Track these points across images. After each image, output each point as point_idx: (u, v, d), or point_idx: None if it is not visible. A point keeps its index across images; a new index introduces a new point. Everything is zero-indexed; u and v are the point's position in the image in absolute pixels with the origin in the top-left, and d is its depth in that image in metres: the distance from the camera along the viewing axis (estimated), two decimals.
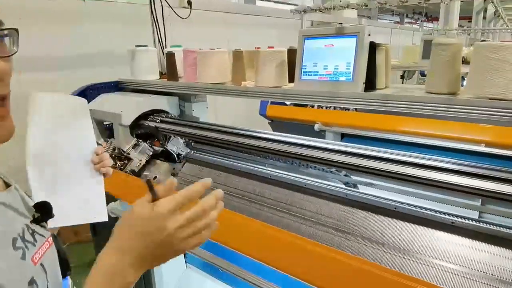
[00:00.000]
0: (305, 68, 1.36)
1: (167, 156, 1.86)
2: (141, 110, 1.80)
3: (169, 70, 1.91)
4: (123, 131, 1.76)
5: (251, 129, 1.59)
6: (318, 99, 1.31)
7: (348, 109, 3.30)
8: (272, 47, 1.45)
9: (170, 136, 1.84)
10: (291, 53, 1.49)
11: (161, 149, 1.87)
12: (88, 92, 2.02)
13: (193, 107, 1.92)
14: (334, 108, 3.31)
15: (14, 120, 0.66)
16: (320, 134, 3.14)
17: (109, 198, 1.57)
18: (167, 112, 1.91)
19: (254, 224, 1.17)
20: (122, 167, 1.75)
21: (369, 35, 1.20)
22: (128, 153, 1.77)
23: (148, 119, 1.80)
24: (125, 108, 1.73)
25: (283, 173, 1.52)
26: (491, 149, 2.00)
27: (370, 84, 1.26)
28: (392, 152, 1.21)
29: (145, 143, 1.82)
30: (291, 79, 1.47)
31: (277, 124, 3.63)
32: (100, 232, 2.04)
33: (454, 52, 1.09)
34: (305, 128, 3.32)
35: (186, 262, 1.91)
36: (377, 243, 1.16)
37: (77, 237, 2.84)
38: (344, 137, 3.31)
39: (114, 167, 1.74)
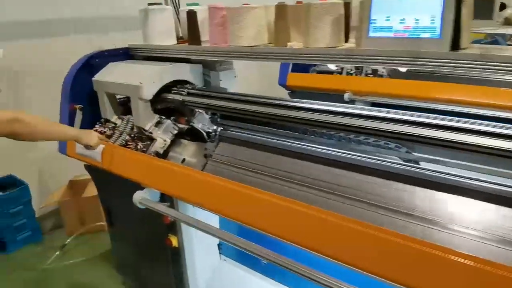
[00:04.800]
0: (375, 23, 1.19)
1: (193, 134, 1.71)
2: (164, 80, 1.62)
3: (191, 32, 1.72)
4: (143, 107, 1.60)
5: (294, 99, 1.44)
6: (393, 61, 1.14)
7: (382, 75, 3.12)
8: None
9: (195, 112, 1.68)
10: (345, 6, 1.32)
11: (186, 126, 1.71)
12: (94, 61, 1.84)
13: (221, 76, 1.75)
14: (367, 74, 3.13)
15: None
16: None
17: (135, 186, 1.44)
18: (190, 83, 1.74)
19: (303, 209, 1.05)
20: (145, 149, 1.60)
21: None
22: (151, 132, 1.62)
23: (172, 91, 1.63)
24: (145, 79, 1.56)
25: (333, 151, 1.38)
26: None
27: (454, 43, 1.09)
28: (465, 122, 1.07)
29: (169, 120, 1.66)
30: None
31: (299, 95, 3.45)
32: (116, 224, 1.93)
33: None
34: (332, 99, 3.12)
35: (220, 254, 1.81)
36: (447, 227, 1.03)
37: (84, 227, 2.74)
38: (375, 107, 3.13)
39: (135, 148, 1.60)
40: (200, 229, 1.28)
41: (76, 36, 2.91)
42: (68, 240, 2.61)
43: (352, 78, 3.14)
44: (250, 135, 1.50)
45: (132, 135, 1.67)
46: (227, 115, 1.62)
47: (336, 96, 3.01)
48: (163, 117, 1.66)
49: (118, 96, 1.82)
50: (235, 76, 1.84)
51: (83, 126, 1.79)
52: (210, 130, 1.68)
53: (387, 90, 2.89)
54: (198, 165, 1.53)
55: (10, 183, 2.63)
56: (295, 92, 3.44)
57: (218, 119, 1.69)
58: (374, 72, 3.09)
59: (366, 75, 3.11)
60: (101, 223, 2.78)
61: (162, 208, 1.37)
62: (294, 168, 1.37)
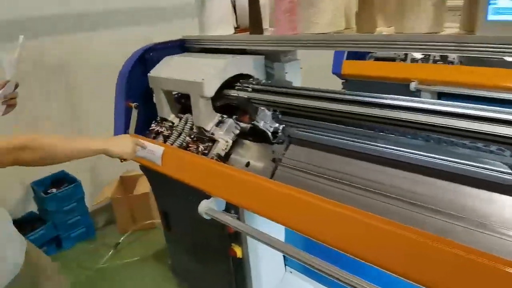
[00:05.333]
0: (495, 3, 0.95)
1: (255, 134, 1.56)
2: (227, 75, 1.47)
3: (253, 20, 1.56)
4: (205, 105, 1.46)
5: (374, 95, 1.23)
6: None
7: (452, 62, 2.80)
8: None
9: (257, 109, 1.53)
10: None
11: (248, 125, 1.57)
12: (148, 55, 1.72)
13: (286, 68, 1.57)
14: (435, 61, 2.82)
15: None
16: (415, 95, 2.69)
17: (201, 195, 1.32)
18: (251, 77, 1.58)
19: (395, 229, 0.87)
20: (206, 151, 1.47)
21: None
22: (213, 133, 1.48)
23: (236, 87, 1.48)
24: (207, 74, 1.42)
25: (425, 156, 1.17)
26: None
27: None
28: None
29: (231, 119, 1.51)
30: None
31: (354, 84, 3.19)
32: (174, 228, 1.84)
33: None
34: (393, 88, 2.83)
35: (285, 265, 1.67)
36: None
37: (135, 224, 2.71)
38: (441, 97, 2.82)
39: (196, 151, 1.47)
40: (270, 245, 1.14)
41: (121, 29, 2.84)
42: (122, 239, 2.59)
43: (419, 66, 2.85)
44: (325, 136, 1.32)
45: (192, 136, 1.54)
46: (290, 112, 1.44)
47: (397, 85, 2.76)
48: (225, 116, 1.52)
49: (174, 92, 1.71)
50: (300, 68, 1.66)
51: (138, 125, 1.70)
52: (272, 129, 1.53)
53: (460, 78, 2.57)
54: (266, 171, 1.38)
55: (62, 179, 2.64)
56: (350, 82, 3.20)
57: (279, 116, 1.53)
58: (443, 59, 2.78)
59: (435, 62, 2.81)
60: (152, 221, 2.74)
61: (229, 220, 1.24)
62: (378, 177, 1.19)
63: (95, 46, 2.68)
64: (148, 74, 1.66)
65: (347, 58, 3.09)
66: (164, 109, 1.66)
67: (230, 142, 1.51)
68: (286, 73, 1.57)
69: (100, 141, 1.18)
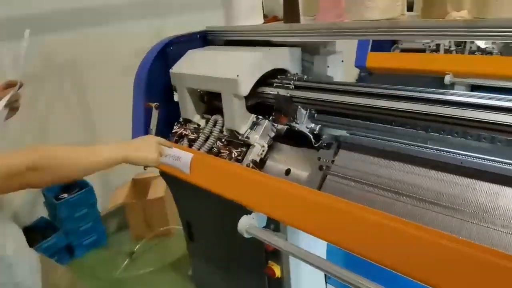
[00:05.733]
0: None
1: (292, 137, 1.38)
2: (263, 70, 1.30)
3: (289, 7, 1.37)
4: (239, 105, 1.29)
5: (448, 91, 1.05)
6: None
7: (491, 53, 2.59)
8: None
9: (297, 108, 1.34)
10: None
11: (285, 127, 1.39)
12: (169, 50, 1.55)
13: (328, 61, 1.39)
14: (471, 52, 2.62)
15: None
16: (449, 89, 2.50)
17: (241, 210, 1.14)
18: (286, 72, 1.40)
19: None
20: (240, 158, 1.30)
21: None
22: (248, 137, 1.31)
23: (274, 83, 1.30)
24: (241, 69, 1.24)
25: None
26: None
27: None
28: None
29: (267, 121, 1.33)
30: None
31: (378, 78, 3.01)
32: (199, 240, 1.67)
33: None
34: (424, 82, 2.62)
35: (326, 283, 1.50)
36: None
37: (150, 231, 2.55)
38: (473, 90, 2.62)
39: (228, 157, 1.30)
40: (323, 269, 0.97)
41: (128, 23, 2.65)
42: (137, 247, 2.43)
43: (454, 57, 2.65)
44: (385, 141, 1.13)
45: (223, 140, 1.37)
46: (325, 111, 1.26)
47: (428, 78, 2.57)
48: (260, 116, 1.34)
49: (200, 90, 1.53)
50: (342, 61, 1.47)
51: (159, 127, 1.53)
52: (308, 130, 1.35)
53: (498, 71, 2.37)
54: (312, 180, 1.20)
55: (73, 183, 2.48)
56: (375, 76, 3.01)
57: (315, 115, 1.34)
58: (481, 49, 2.58)
59: (471, 52, 2.60)
60: (168, 227, 2.58)
61: (273, 239, 1.07)
62: (449, 188, 1.00)
63: (103, 42, 2.50)
64: (170, 71, 1.48)
65: (372, 50, 2.90)
66: (189, 110, 1.48)
67: (266, 146, 1.33)
68: (328, 67, 1.39)
69: (118, 147, 0.95)
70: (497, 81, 2.31)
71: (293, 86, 1.25)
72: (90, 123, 2.60)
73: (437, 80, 2.49)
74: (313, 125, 1.33)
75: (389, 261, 0.85)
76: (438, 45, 2.76)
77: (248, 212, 1.13)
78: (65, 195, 2.38)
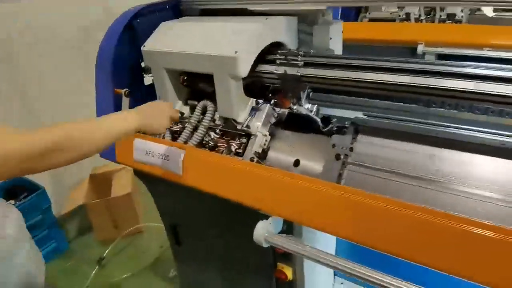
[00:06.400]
0: None
1: (295, 122, 1.21)
2: (262, 45, 1.08)
3: None
4: (237, 88, 1.07)
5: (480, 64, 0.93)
6: None
7: (460, 21, 2.57)
8: None
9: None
10: None
11: (286, 111, 1.21)
12: (136, 23, 1.27)
13: (331, 32, 1.21)
14: (441, 20, 2.58)
15: None
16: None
17: (256, 216, 0.96)
18: (283, 46, 1.20)
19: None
20: (241, 152, 1.10)
21: None
22: (248, 126, 1.10)
23: (277, 61, 1.09)
24: (239, 45, 1.01)
25: None
26: None
27: None
28: None
29: (268, 105, 1.14)
30: None
31: (349, 49, 2.90)
32: (188, 244, 1.47)
33: None
34: (395, 53, 2.53)
35: (334, 276, 1.39)
36: None
37: (119, 232, 2.28)
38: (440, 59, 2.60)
39: (227, 151, 1.10)
40: (344, 271, 0.83)
41: None
42: (106, 252, 2.15)
43: (422, 27, 2.60)
44: (412, 123, 1.00)
45: (217, 131, 1.15)
46: (335, 90, 1.10)
47: (399, 49, 2.50)
48: (260, 100, 1.14)
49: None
50: (341, 31, 1.31)
51: None
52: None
53: (471, 39, 2.34)
54: (328, 172, 1.05)
55: (20, 187, 2.11)
56: (344, 46, 2.89)
57: (311, 94, 1.18)
58: (450, 18, 2.55)
59: (441, 21, 2.57)
60: (139, 225, 2.33)
61: (296, 247, 0.90)
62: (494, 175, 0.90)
63: (38, 17, 2.09)
64: (142, 48, 1.21)
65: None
66: (168, 95, 1.24)
67: (268, 134, 1.14)
68: (331, 38, 1.21)
69: (133, 116, 0.86)
70: (474, 50, 2.29)
71: (302, 63, 1.05)
72: (34, 117, 2.20)
73: (409, 51, 2.42)
74: (309, 105, 1.17)
75: (444, 264, 0.73)
76: (408, 14, 2.69)
77: (258, 215, 0.95)
78: (12, 201, 2.01)
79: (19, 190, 2.09)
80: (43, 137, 0.67)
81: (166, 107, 0.97)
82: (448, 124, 0.95)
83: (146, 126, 0.89)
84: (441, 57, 2.47)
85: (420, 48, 2.43)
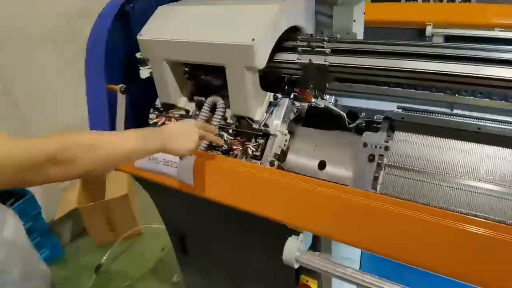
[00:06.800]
0: None
1: (314, 118, 1.07)
2: (280, 31, 0.93)
3: None
4: (253, 82, 0.92)
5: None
6: None
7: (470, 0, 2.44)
8: None
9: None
10: None
11: (306, 105, 1.07)
12: (129, 8, 1.11)
13: (354, 14, 1.06)
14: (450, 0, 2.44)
15: None
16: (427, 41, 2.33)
17: (284, 231, 0.82)
18: (300, 31, 1.05)
19: None
20: (258, 153, 0.95)
21: None
22: (266, 125, 0.96)
23: (299, 49, 0.94)
24: (255, 32, 0.86)
25: None
26: None
27: None
28: None
29: (287, 99, 0.99)
30: None
31: None
32: (196, 253, 1.34)
33: None
34: (402, 35, 2.41)
35: None
36: None
37: (116, 235, 2.14)
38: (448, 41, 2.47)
39: (243, 154, 0.96)
40: None
41: None
42: (104, 257, 2.01)
43: (430, 6, 2.45)
44: (459, 118, 0.87)
45: (229, 130, 1.01)
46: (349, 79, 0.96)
47: (406, 31, 2.36)
48: (279, 95, 0.99)
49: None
50: (363, 13, 1.16)
51: (127, 116, 1.11)
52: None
53: (482, 19, 2.21)
54: (361, 176, 0.91)
55: (7, 192, 1.94)
56: None
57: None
58: None
59: (450, 1, 2.43)
60: (137, 227, 2.19)
61: (335, 270, 0.77)
62: None
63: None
64: (138, 37, 1.05)
65: None
66: (171, 91, 1.08)
67: (287, 133, 1.00)
68: (354, 21, 1.06)
69: (156, 137, 0.78)
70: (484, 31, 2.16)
71: (329, 51, 0.90)
72: (17, 117, 2.01)
73: (416, 33, 2.28)
74: (327, 97, 1.03)
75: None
76: None
77: (282, 228, 0.81)
78: None
79: (6, 196, 1.92)
80: (43, 146, 0.62)
81: (193, 126, 0.84)
82: (504, 119, 0.82)
83: (168, 149, 0.78)
84: (450, 39, 2.33)
85: (429, 30, 2.29)
